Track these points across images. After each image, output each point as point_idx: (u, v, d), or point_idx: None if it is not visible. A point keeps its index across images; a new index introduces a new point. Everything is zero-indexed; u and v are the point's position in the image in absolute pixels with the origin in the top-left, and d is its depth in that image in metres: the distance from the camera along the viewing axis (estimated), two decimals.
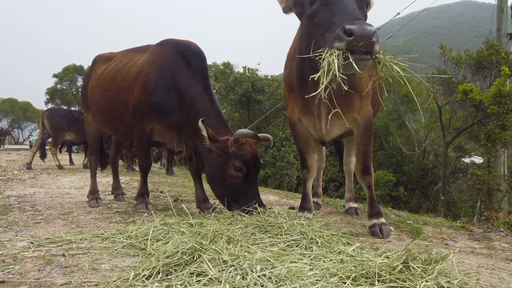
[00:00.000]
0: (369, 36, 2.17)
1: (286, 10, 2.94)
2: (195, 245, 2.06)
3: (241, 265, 1.87)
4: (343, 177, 4.91)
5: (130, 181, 7.55)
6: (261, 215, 3.08)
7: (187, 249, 2.06)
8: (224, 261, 1.92)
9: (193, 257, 2.01)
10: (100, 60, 4.58)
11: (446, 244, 2.99)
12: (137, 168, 11.29)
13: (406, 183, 15.25)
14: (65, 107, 35.78)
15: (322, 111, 3.08)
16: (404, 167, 15.84)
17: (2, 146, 31.02)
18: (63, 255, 2.28)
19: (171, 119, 3.66)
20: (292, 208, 4.46)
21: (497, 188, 8.72)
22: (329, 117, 2.99)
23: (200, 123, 3.30)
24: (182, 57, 3.74)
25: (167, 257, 2.03)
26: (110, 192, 5.36)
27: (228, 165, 3.33)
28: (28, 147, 32.39)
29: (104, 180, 7.36)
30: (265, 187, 11.96)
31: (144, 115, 3.71)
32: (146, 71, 3.73)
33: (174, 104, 3.65)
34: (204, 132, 3.30)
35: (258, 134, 3.53)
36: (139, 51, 4.13)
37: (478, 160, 13.56)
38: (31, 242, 2.52)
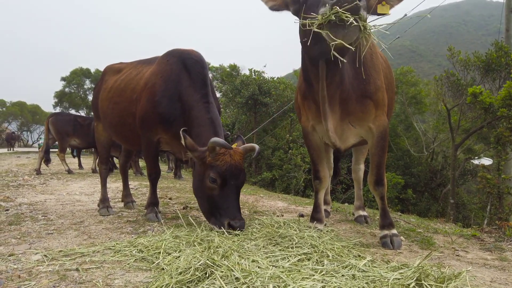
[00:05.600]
0: None
1: (278, 8, 2.87)
2: (207, 261, 2.07)
3: (254, 283, 1.88)
4: (351, 179, 4.89)
5: (139, 186, 7.60)
6: (272, 226, 3.09)
7: (200, 265, 2.07)
8: (237, 278, 1.93)
9: (206, 273, 2.02)
10: (110, 71, 4.62)
11: (457, 255, 2.98)
12: (145, 172, 11.37)
13: (414, 185, 15.18)
14: (71, 112, 36.12)
15: (332, 114, 2.99)
16: (413, 169, 15.76)
17: (12, 149, 31.41)
18: (77, 269, 2.30)
19: (176, 129, 3.62)
20: (302, 215, 4.46)
21: (508, 191, 8.64)
22: (329, 123, 2.99)
23: (181, 132, 3.26)
24: (183, 66, 3.77)
25: (180, 273, 2.05)
26: (119, 199, 5.41)
27: (205, 176, 3.19)
28: (37, 149, 32.82)
29: (114, 185, 7.42)
30: (273, 191, 11.97)
31: (151, 125, 3.75)
32: (152, 82, 3.78)
33: (178, 113, 3.68)
34: (182, 141, 3.24)
35: (244, 145, 3.42)
36: (147, 63, 4.18)
37: (487, 161, 13.43)
38: (45, 255, 2.56)
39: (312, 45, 2.45)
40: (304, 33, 2.56)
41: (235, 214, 3.11)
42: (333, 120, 3.00)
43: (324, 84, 2.79)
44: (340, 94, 2.93)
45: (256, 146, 3.46)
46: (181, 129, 3.29)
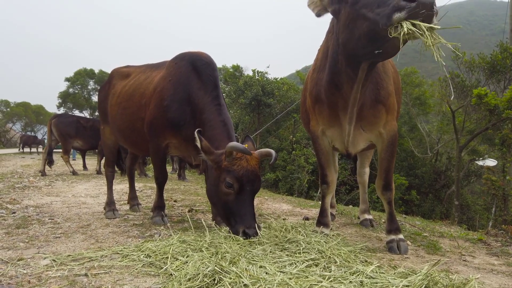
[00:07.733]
0: (431, 4, 2.05)
1: (321, 12, 2.85)
2: (215, 267, 2.08)
3: None
4: (355, 180, 4.89)
5: (143, 188, 7.62)
6: (279, 231, 3.10)
7: (208, 271, 2.08)
8: (245, 285, 1.94)
9: (214, 280, 2.03)
10: (117, 75, 4.61)
11: (464, 261, 2.97)
12: (150, 174, 11.41)
13: (418, 186, 15.13)
14: (74, 112, 36.15)
15: (352, 119, 3.01)
16: (417, 170, 15.71)
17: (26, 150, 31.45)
18: (86, 274, 2.32)
19: (186, 133, 3.62)
20: (307, 219, 4.46)
21: None
22: (352, 127, 3.01)
23: (195, 133, 3.18)
24: (193, 68, 3.73)
25: (189, 280, 2.06)
26: (124, 201, 5.44)
27: (220, 180, 3.09)
28: (41, 149, 32.92)
29: (118, 187, 7.44)
30: (276, 192, 11.97)
31: (159, 131, 3.73)
32: (161, 86, 3.75)
33: (188, 117, 3.64)
34: (198, 143, 3.16)
35: (260, 150, 3.32)
36: (156, 67, 4.16)
37: (492, 162, 13.36)
38: (54, 260, 2.57)
39: (365, 45, 2.39)
40: (358, 32, 2.43)
41: (250, 222, 3.00)
42: (349, 124, 3.02)
43: (360, 87, 2.79)
44: (360, 99, 2.94)
45: (273, 152, 3.31)
46: (196, 130, 3.19)
